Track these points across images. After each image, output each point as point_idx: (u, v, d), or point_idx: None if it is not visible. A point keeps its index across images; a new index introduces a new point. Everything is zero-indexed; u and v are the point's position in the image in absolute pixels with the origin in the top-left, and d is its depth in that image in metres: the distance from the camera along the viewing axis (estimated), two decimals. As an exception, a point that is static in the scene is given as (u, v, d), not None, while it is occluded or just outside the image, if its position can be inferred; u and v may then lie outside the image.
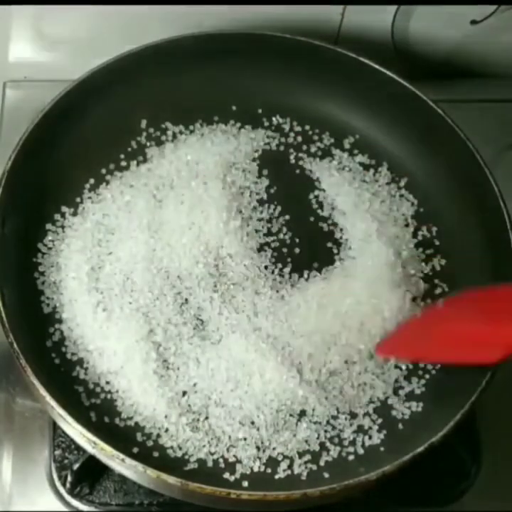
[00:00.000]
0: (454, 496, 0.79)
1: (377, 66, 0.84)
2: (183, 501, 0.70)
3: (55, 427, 0.79)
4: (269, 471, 0.71)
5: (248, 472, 0.71)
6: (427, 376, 0.76)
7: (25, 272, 0.77)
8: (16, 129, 0.79)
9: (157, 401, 0.72)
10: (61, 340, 0.75)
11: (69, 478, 0.77)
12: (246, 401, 0.73)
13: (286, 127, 0.88)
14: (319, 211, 0.84)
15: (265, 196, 0.84)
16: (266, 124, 0.88)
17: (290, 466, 0.71)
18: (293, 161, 0.87)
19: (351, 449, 0.72)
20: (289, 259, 0.80)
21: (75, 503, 0.77)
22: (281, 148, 0.88)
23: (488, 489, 0.79)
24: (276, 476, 0.71)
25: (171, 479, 0.64)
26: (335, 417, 0.74)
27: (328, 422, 0.73)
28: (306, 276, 0.79)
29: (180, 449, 0.71)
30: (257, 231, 0.82)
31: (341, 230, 0.83)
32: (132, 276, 0.77)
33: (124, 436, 0.71)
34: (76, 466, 0.77)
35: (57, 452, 0.79)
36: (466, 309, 0.72)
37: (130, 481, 0.76)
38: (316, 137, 0.88)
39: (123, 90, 0.84)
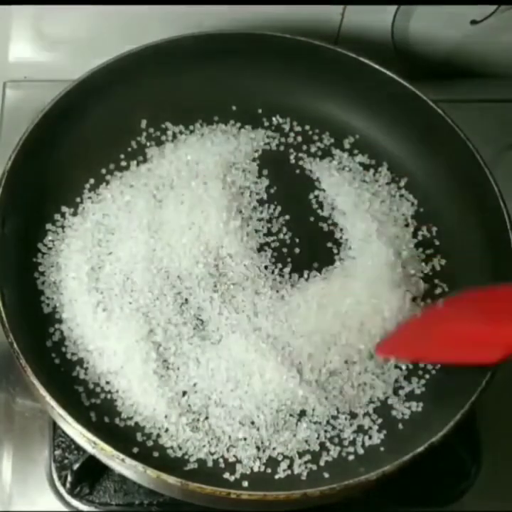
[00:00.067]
0: (454, 496, 0.79)
1: (377, 66, 0.84)
2: (183, 501, 0.70)
3: (55, 427, 0.79)
4: (269, 471, 0.71)
5: (248, 472, 0.71)
6: (427, 376, 0.76)
7: (25, 272, 0.77)
8: (16, 129, 0.79)
9: (157, 401, 0.72)
10: (61, 340, 0.75)
11: (69, 478, 0.77)
12: (246, 401, 0.73)
13: (286, 127, 0.88)
14: (319, 211, 0.84)
15: (265, 196, 0.84)
16: (266, 124, 0.88)
17: (290, 466, 0.71)
18: (293, 161, 0.87)
19: (351, 449, 0.72)
20: (289, 259, 0.80)
21: (75, 503, 0.77)
22: (281, 148, 0.88)
23: (488, 489, 0.79)
24: (276, 476, 0.71)
25: (171, 479, 0.64)
26: (335, 417, 0.74)
27: (328, 422, 0.73)
28: (306, 276, 0.79)
29: (180, 449, 0.71)
30: (257, 231, 0.82)
31: (341, 230, 0.83)
32: (132, 276, 0.77)
33: (124, 436, 0.71)
34: (76, 466, 0.77)
35: (57, 452, 0.79)
36: (466, 309, 0.72)
37: (130, 481, 0.76)
38: (316, 137, 0.88)
39: (123, 90, 0.84)
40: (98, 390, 0.73)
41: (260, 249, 0.81)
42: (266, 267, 0.79)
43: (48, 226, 0.80)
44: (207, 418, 0.72)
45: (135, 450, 0.70)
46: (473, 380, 0.69)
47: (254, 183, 0.85)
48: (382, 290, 0.77)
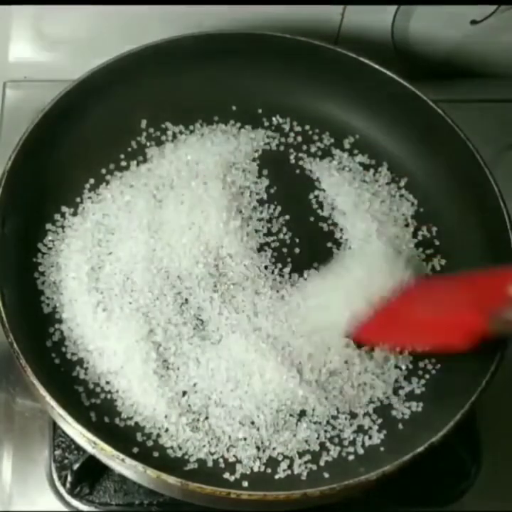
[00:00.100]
0: (454, 496, 0.79)
1: (377, 66, 0.84)
2: (183, 501, 0.70)
3: (55, 427, 0.79)
4: (269, 471, 0.71)
5: (248, 472, 0.71)
6: (427, 376, 0.76)
7: (25, 272, 0.77)
8: (16, 129, 0.79)
9: (157, 401, 0.72)
10: (61, 340, 0.75)
11: (69, 478, 0.77)
12: (246, 401, 0.73)
13: (286, 127, 0.88)
14: (319, 211, 0.84)
15: (265, 196, 0.84)
16: (266, 124, 0.88)
17: (290, 466, 0.71)
18: (293, 161, 0.87)
19: (351, 449, 0.72)
20: (289, 259, 0.80)
21: (75, 503, 0.77)
22: (281, 148, 0.88)
23: (488, 489, 0.79)
24: (276, 476, 0.71)
25: (171, 479, 0.64)
26: (335, 417, 0.74)
27: (328, 422, 0.73)
28: (306, 276, 0.79)
29: (180, 449, 0.71)
30: (257, 231, 0.82)
31: (341, 230, 0.83)
32: (132, 276, 0.77)
33: (124, 436, 0.71)
34: (76, 466, 0.77)
35: (57, 452, 0.79)
36: (436, 295, 0.74)
37: (130, 481, 0.76)
38: (316, 137, 0.88)
39: (123, 90, 0.84)
40: (98, 390, 0.73)
41: (260, 249, 0.81)
42: (266, 267, 0.79)
43: (48, 226, 0.80)
44: (207, 418, 0.72)
45: (135, 450, 0.70)
46: (473, 380, 0.69)
47: (254, 183, 0.85)
48: (382, 290, 0.77)
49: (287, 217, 0.83)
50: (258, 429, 0.72)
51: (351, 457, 0.72)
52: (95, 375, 0.73)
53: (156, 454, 0.70)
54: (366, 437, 0.73)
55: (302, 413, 0.73)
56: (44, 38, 0.92)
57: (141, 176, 0.83)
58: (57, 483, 0.78)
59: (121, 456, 0.65)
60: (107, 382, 0.73)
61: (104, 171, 0.83)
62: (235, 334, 0.75)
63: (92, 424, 0.70)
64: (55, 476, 0.78)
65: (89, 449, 0.67)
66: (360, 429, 0.73)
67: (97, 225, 0.80)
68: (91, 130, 0.84)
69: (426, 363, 0.77)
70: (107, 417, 0.72)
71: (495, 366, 0.69)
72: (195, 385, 0.74)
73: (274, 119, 0.89)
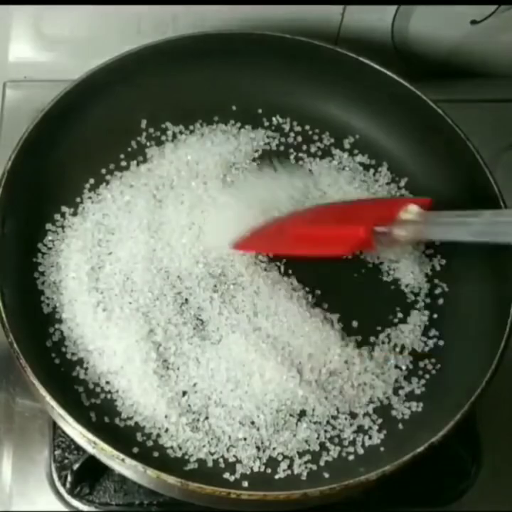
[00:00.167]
0: (454, 496, 0.79)
1: (377, 66, 0.84)
2: (183, 501, 0.70)
3: (55, 427, 0.79)
4: (269, 471, 0.71)
5: (248, 472, 0.71)
6: (427, 376, 0.76)
7: (25, 272, 0.77)
8: (16, 129, 0.79)
9: (157, 401, 0.72)
10: (61, 340, 0.75)
11: (69, 478, 0.77)
12: (246, 401, 0.73)
13: (286, 127, 0.88)
14: (319, 211, 0.84)
15: (265, 196, 0.84)
16: (266, 124, 0.88)
17: (290, 466, 0.71)
18: (293, 161, 0.87)
19: (351, 449, 0.72)
20: (288, 259, 0.80)
21: (75, 503, 0.77)
22: (281, 148, 0.88)
23: (488, 489, 0.79)
24: (276, 476, 0.71)
25: (171, 479, 0.64)
26: (335, 417, 0.74)
27: (328, 422, 0.73)
28: (305, 275, 0.79)
29: (180, 449, 0.71)
30: (257, 231, 0.82)
31: (341, 230, 0.83)
32: (132, 276, 0.77)
33: (124, 436, 0.71)
34: (76, 466, 0.77)
35: (57, 452, 0.79)
36: (322, 215, 0.78)
37: (130, 481, 0.76)
38: (316, 137, 0.88)
39: (123, 90, 0.84)
40: (98, 390, 0.73)
41: (260, 249, 0.81)
42: (265, 268, 0.79)
43: (48, 226, 0.80)
44: (207, 418, 0.72)
45: (135, 450, 0.70)
46: (473, 380, 0.69)
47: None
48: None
49: (287, 217, 0.83)
50: (258, 429, 0.72)
51: (351, 457, 0.72)
52: (95, 375, 0.73)
53: (156, 454, 0.71)
54: (366, 437, 0.73)
55: (302, 413, 0.73)
56: (44, 38, 0.92)
57: (141, 175, 0.83)
58: (57, 483, 0.78)
59: (121, 456, 0.65)
60: (107, 382, 0.73)
61: (104, 171, 0.83)
62: (235, 334, 0.75)
63: (92, 424, 0.70)
64: (55, 476, 0.78)
65: (89, 449, 0.67)
66: (360, 429, 0.73)
67: (97, 225, 0.80)
68: (91, 130, 0.84)
69: (426, 363, 0.77)
70: (107, 417, 0.72)
71: (495, 366, 0.69)
72: (195, 385, 0.74)
73: (274, 119, 0.89)
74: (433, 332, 0.79)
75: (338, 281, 0.80)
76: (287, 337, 0.75)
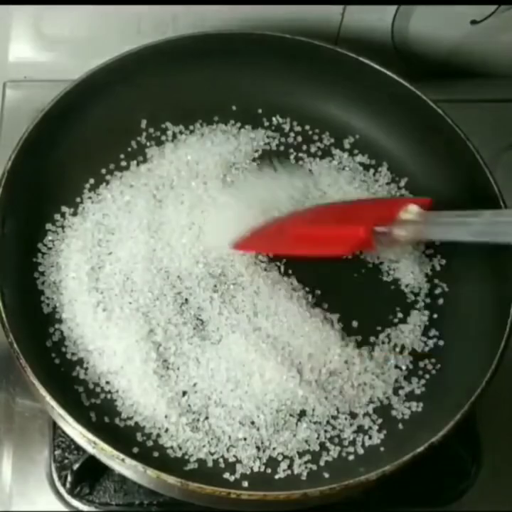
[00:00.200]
0: (454, 496, 0.79)
1: (377, 66, 0.84)
2: (183, 501, 0.70)
3: (55, 427, 0.79)
4: (269, 471, 0.71)
5: (248, 472, 0.71)
6: (427, 376, 0.76)
7: (25, 272, 0.77)
8: (16, 129, 0.79)
9: (157, 401, 0.72)
10: (61, 340, 0.75)
11: (69, 478, 0.77)
12: (246, 401, 0.73)
13: (286, 127, 0.88)
14: (319, 211, 0.84)
15: (265, 196, 0.84)
16: (266, 124, 0.88)
17: (290, 466, 0.71)
18: (293, 161, 0.87)
19: (351, 449, 0.72)
20: (288, 259, 0.80)
21: (75, 503, 0.77)
22: (281, 148, 0.88)
23: (488, 489, 0.79)
24: (276, 476, 0.71)
25: (171, 479, 0.64)
26: (335, 417, 0.74)
27: (328, 422, 0.73)
28: (305, 275, 0.79)
29: (180, 449, 0.71)
30: (257, 231, 0.82)
31: (341, 230, 0.83)
32: (132, 276, 0.77)
33: (124, 436, 0.71)
34: (76, 466, 0.77)
35: (57, 452, 0.79)
36: (322, 215, 0.78)
37: (130, 481, 0.76)
38: (316, 137, 0.88)
39: (123, 90, 0.84)
40: (98, 390, 0.73)
41: (260, 249, 0.81)
42: (265, 268, 0.79)
43: (48, 226, 0.80)
44: (207, 418, 0.72)
45: (135, 450, 0.70)
46: (473, 380, 0.69)
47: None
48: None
49: (287, 217, 0.83)
50: (258, 429, 0.72)
51: (351, 457, 0.72)
52: (95, 375, 0.73)
53: (156, 454, 0.71)
54: (366, 437, 0.73)
55: (302, 413, 0.73)
56: (44, 38, 0.92)
57: (141, 175, 0.83)
58: (57, 483, 0.78)
59: (121, 456, 0.65)
60: (107, 382, 0.73)
61: (104, 171, 0.83)
62: (235, 334, 0.75)
63: (92, 424, 0.70)
64: (55, 476, 0.78)
65: (89, 449, 0.67)
66: (360, 429, 0.73)
67: (97, 225, 0.80)
68: (91, 130, 0.84)
69: (426, 363, 0.77)
70: (107, 417, 0.72)
71: (495, 366, 0.69)
72: (195, 385, 0.74)
73: (274, 119, 0.89)
74: (433, 332, 0.79)
75: (338, 281, 0.80)
76: (287, 337, 0.75)
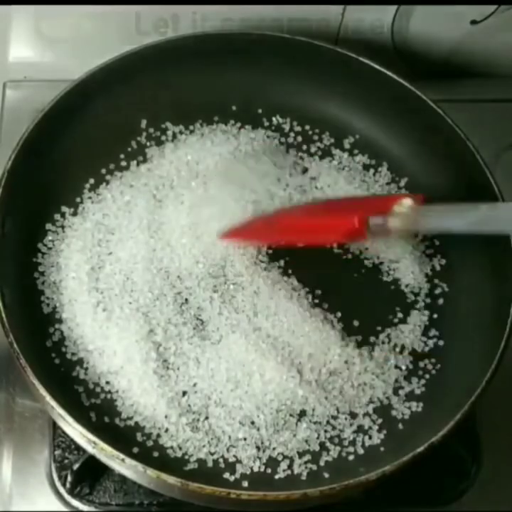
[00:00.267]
0: (454, 496, 0.79)
1: (377, 66, 0.84)
2: (183, 501, 0.70)
3: (55, 427, 0.79)
4: (269, 471, 0.71)
5: (248, 472, 0.71)
6: (427, 376, 0.76)
7: (25, 272, 0.77)
8: (16, 129, 0.79)
9: (157, 401, 0.72)
10: (61, 340, 0.75)
11: (69, 478, 0.77)
12: (246, 401, 0.73)
13: (286, 127, 0.88)
14: (319, 211, 0.84)
15: (265, 196, 0.84)
16: (266, 124, 0.88)
17: (290, 466, 0.71)
18: (293, 161, 0.87)
19: (351, 449, 0.73)
20: (287, 258, 0.80)
21: (75, 503, 0.77)
22: (282, 148, 0.87)
23: (488, 489, 0.79)
24: (276, 476, 0.71)
25: (171, 479, 0.64)
26: (335, 417, 0.74)
27: (328, 422, 0.73)
28: (305, 275, 0.79)
29: (180, 449, 0.71)
30: (257, 231, 0.82)
31: (341, 229, 0.83)
32: (132, 276, 0.77)
33: (124, 436, 0.71)
34: (76, 466, 0.77)
35: (57, 452, 0.79)
36: (316, 207, 0.80)
37: (130, 481, 0.76)
38: (316, 137, 0.88)
39: (123, 90, 0.84)
40: (98, 390, 0.73)
41: (260, 248, 0.81)
42: (265, 268, 0.79)
43: (48, 226, 0.80)
44: (207, 418, 0.73)
45: (135, 450, 0.70)
46: (473, 380, 0.69)
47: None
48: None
49: (287, 217, 0.83)
50: (258, 429, 0.72)
51: (351, 457, 0.72)
52: (95, 375, 0.73)
53: (156, 454, 0.71)
54: (366, 437, 0.73)
55: (302, 413, 0.73)
56: (44, 38, 0.92)
57: (141, 175, 0.83)
58: (57, 483, 0.78)
59: (121, 456, 0.65)
60: (107, 382, 0.73)
61: (104, 171, 0.83)
62: (235, 334, 0.75)
63: (92, 424, 0.70)
64: (55, 476, 0.78)
65: (89, 449, 0.67)
66: (360, 429, 0.73)
67: (97, 225, 0.80)
68: (91, 130, 0.84)
69: (426, 363, 0.77)
70: (107, 417, 0.72)
71: (495, 366, 0.69)
72: (195, 385, 0.74)
73: (274, 119, 0.89)
74: (433, 332, 0.79)
75: (338, 281, 0.80)
76: (287, 337, 0.75)
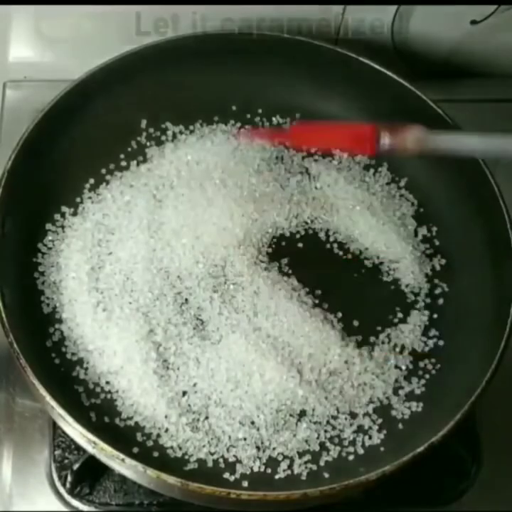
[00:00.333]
0: (454, 496, 0.79)
1: (377, 66, 0.84)
2: (183, 501, 0.70)
3: (55, 427, 0.79)
4: (269, 471, 0.71)
5: (248, 472, 0.71)
6: (427, 376, 0.76)
7: (25, 272, 0.77)
8: (16, 129, 0.79)
9: (157, 401, 0.72)
10: (61, 340, 0.75)
11: (69, 478, 0.77)
12: (246, 401, 0.73)
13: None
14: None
15: (265, 196, 0.84)
16: (266, 124, 0.88)
17: (290, 466, 0.71)
18: (293, 161, 0.87)
19: (351, 449, 0.73)
20: (287, 259, 0.80)
21: (75, 503, 0.77)
22: (281, 148, 0.87)
23: (488, 489, 0.79)
24: (276, 476, 0.71)
25: (171, 479, 0.64)
26: (335, 417, 0.74)
27: (328, 422, 0.73)
28: (305, 275, 0.79)
29: (180, 449, 0.71)
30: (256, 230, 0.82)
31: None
32: (132, 276, 0.77)
33: (124, 436, 0.71)
34: (76, 466, 0.77)
35: (57, 452, 0.79)
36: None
37: (130, 481, 0.76)
38: (316, 137, 0.88)
39: (123, 90, 0.84)
40: (98, 390, 0.73)
41: (260, 248, 0.81)
42: (265, 268, 0.79)
43: (48, 226, 0.80)
44: (207, 418, 0.73)
45: (135, 450, 0.70)
46: (473, 380, 0.69)
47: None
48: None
49: (287, 217, 0.83)
50: (258, 429, 0.72)
51: (351, 457, 0.72)
52: (95, 375, 0.73)
53: (156, 454, 0.71)
54: (366, 437, 0.73)
55: (302, 413, 0.73)
56: (44, 38, 0.92)
57: (141, 175, 0.83)
58: (57, 483, 0.78)
59: (121, 456, 0.65)
60: (107, 382, 0.73)
61: (104, 171, 0.83)
62: (235, 334, 0.75)
63: (92, 424, 0.70)
64: (55, 476, 0.78)
65: (89, 449, 0.67)
66: (360, 429, 0.73)
67: (97, 225, 0.80)
68: (91, 130, 0.84)
69: (426, 363, 0.77)
70: (107, 417, 0.72)
71: (495, 366, 0.69)
72: (195, 385, 0.74)
73: (274, 119, 0.89)
74: (433, 332, 0.79)
75: (338, 281, 0.80)
76: (287, 337, 0.75)
